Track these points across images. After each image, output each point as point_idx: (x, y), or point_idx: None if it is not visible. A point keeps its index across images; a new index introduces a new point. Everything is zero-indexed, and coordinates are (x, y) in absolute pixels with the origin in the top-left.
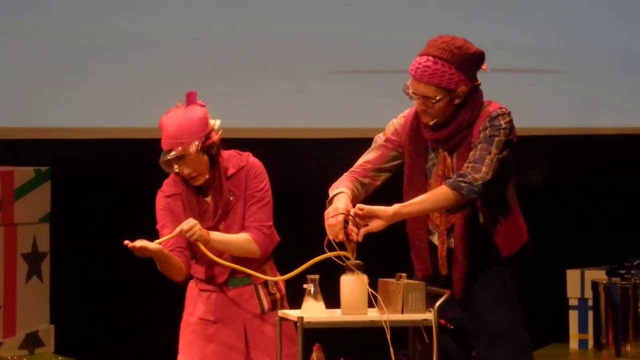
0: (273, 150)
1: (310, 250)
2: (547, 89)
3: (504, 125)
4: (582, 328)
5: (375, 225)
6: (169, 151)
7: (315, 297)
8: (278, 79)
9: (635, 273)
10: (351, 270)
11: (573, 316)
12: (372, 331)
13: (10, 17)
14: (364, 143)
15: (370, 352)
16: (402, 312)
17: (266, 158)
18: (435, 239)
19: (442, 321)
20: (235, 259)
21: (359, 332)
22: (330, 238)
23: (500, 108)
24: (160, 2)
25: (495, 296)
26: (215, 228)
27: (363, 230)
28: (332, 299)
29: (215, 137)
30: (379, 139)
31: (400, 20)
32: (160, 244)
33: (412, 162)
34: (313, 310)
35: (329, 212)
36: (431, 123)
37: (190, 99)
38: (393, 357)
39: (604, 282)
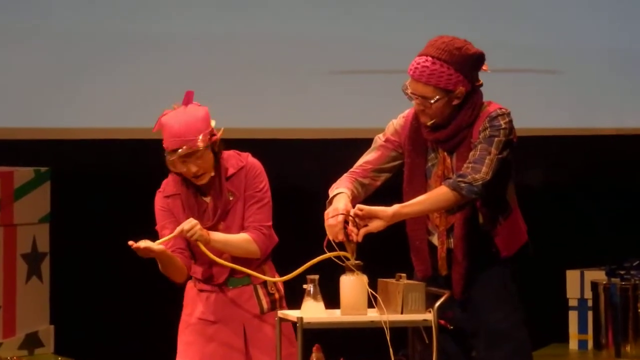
0: (273, 151)
1: (310, 250)
2: (547, 89)
3: (503, 126)
4: (582, 328)
5: (375, 225)
6: (175, 150)
7: (314, 297)
8: (278, 79)
9: (635, 274)
10: (351, 271)
11: (573, 317)
12: (372, 331)
13: (10, 17)
14: (364, 143)
15: (369, 353)
16: (402, 313)
17: (266, 158)
18: (435, 240)
19: (442, 321)
20: (235, 259)
21: (358, 332)
22: (330, 238)
23: (500, 108)
24: (160, 2)
25: (495, 296)
26: (214, 228)
27: (363, 231)
28: (331, 300)
29: (217, 134)
30: (379, 139)
31: (400, 20)
32: (161, 244)
33: (412, 162)
34: (313, 311)
35: (328, 212)
36: (429, 123)
37: (189, 99)
38: (393, 358)
39: (604, 282)
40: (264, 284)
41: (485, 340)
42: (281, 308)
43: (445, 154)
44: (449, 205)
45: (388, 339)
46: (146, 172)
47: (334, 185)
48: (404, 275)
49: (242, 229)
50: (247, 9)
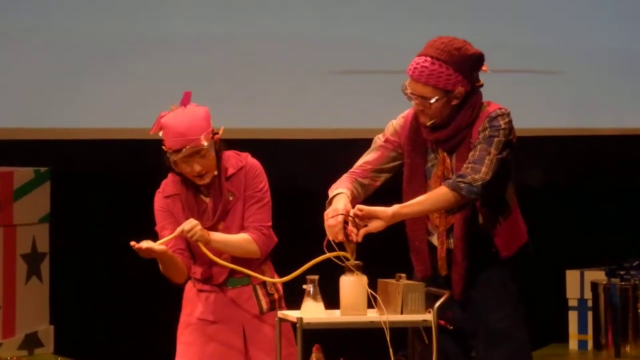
0: (273, 151)
1: (309, 250)
2: (547, 89)
3: (503, 126)
4: (582, 329)
5: (374, 225)
6: (180, 149)
7: (314, 297)
8: (278, 79)
9: (635, 274)
10: (351, 271)
11: (572, 317)
12: (372, 332)
13: (10, 17)
14: (364, 143)
15: (369, 353)
16: (402, 313)
17: (266, 158)
18: (434, 240)
19: (442, 322)
20: (235, 260)
21: (358, 332)
22: (330, 239)
23: (500, 109)
24: (160, 2)
25: (494, 297)
26: (214, 228)
27: (362, 231)
28: (331, 300)
29: (219, 133)
30: (379, 139)
31: (400, 21)
32: (162, 244)
33: (412, 162)
34: (312, 311)
35: (328, 212)
36: (428, 123)
37: (187, 100)
38: (392, 358)
39: (604, 282)
40: (263, 284)
41: (485, 340)
42: (280, 308)
43: (445, 154)
44: (448, 205)
45: (388, 339)
46: (146, 172)
47: (334, 186)
48: (403, 275)
49: (241, 229)
50: (247, 9)
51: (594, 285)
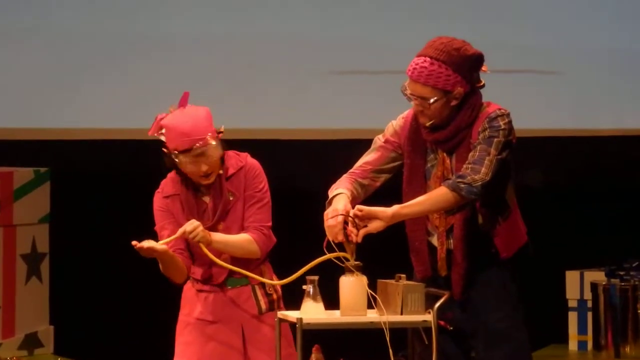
0: (273, 151)
1: (309, 251)
2: (547, 89)
3: (503, 127)
4: (582, 329)
5: (374, 226)
6: (188, 150)
7: (314, 298)
8: (278, 79)
9: (635, 274)
10: (350, 272)
11: (572, 317)
12: (372, 332)
13: (10, 17)
14: (364, 144)
15: (369, 354)
16: (402, 313)
17: (266, 158)
18: (434, 240)
19: (442, 322)
20: (234, 260)
21: (358, 333)
22: (330, 239)
23: (500, 109)
24: (161, 2)
25: (494, 297)
26: (214, 228)
27: (362, 231)
28: (331, 300)
29: (222, 132)
30: (379, 140)
31: (400, 21)
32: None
33: (412, 163)
34: (312, 312)
35: (328, 213)
36: (428, 124)
37: (185, 100)
38: (392, 359)
39: (603, 283)
40: (262, 284)
41: (484, 340)
42: (279, 309)
43: (445, 154)
44: (448, 205)
45: (388, 339)
46: (146, 172)
47: (334, 186)
48: (403, 276)
49: (241, 229)
50: (247, 9)
51: (594, 286)
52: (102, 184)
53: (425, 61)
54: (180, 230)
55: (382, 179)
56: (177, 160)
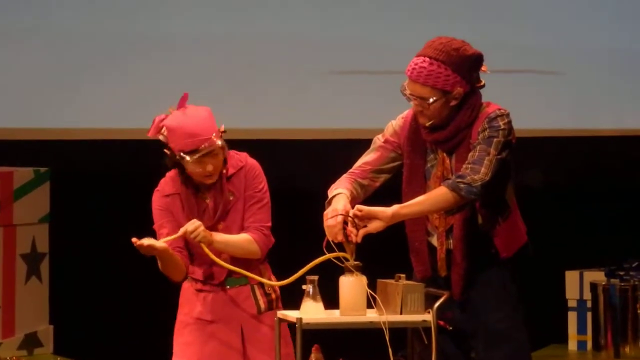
0: (273, 151)
1: (309, 251)
2: (547, 89)
3: (502, 127)
4: (581, 329)
5: (374, 226)
6: (195, 150)
7: (314, 298)
8: (278, 79)
9: (634, 274)
10: (350, 271)
11: (572, 317)
12: (371, 332)
13: (10, 17)
14: (364, 144)
15: (369, 353)
16: (401, 313)
17: (266, 158)
18: (434, 240)
19: (441, 322)
20: (234, 260)
21: (357, 333)
22: (329, 239)
23: (499, 109)
24: (160, 2)
25: (494, 297)
26: (214, 228)
27: (362, 231)
28: (331, 300)
29: (225, 132)
30: (378, 140)
31: (400, 21)
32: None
33: (411, 163)
34: (312, 311)
35: (327, 213)
36: (427, 124)
37: (185, 101)
38: (392, 358)
39: (603, 283)
40: (261, 284)
41: (484, 340)
42: (277, 308)
43: (445, 155)
44: (448, 205)
45: (387, 339)
46: (146, 172)
47: (333, 186)
48: (403, 275)
49: (241, 229)
50: (247, 9)
51: (594, 286)
52: (102, 184)
53: (424, 61)
54: (182, 230)
55: (382, 179)
56: (183, 160)
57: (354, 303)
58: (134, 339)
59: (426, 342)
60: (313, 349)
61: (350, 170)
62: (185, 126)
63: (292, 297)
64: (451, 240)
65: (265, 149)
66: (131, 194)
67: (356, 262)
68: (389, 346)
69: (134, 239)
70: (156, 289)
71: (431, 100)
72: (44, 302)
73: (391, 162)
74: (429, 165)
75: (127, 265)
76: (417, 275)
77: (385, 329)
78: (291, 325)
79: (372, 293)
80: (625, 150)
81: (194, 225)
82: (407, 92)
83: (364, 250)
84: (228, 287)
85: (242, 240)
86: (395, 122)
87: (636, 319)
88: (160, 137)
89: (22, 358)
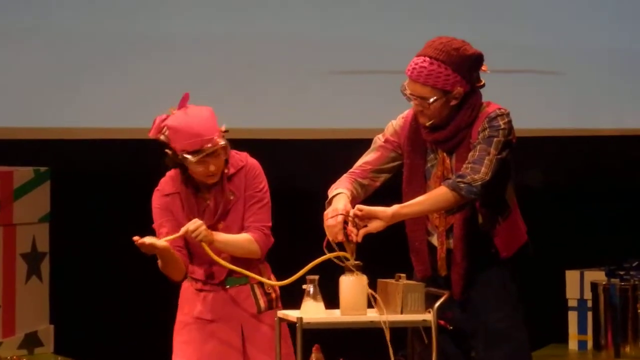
0: (273, 151)
1: (309, 251)
2: (547, 89)
3: (502, 126)
4: (582, 329)
5: (374, 226)
6: (198, 150)
7: (314, 297)
8: (278, 79)
9: (635, 274)
10: (350, 271)
11: (572, 317)
12: (372, 332)
13: (10, 17)
14: (364, 143)
15: (369, 353)
16: (402, 313)
17: (266, 158)
18: (434, 240)
19: (441, 322)
20: (234, 260)
21: (358, 332)
22: (330, 239)
23: (499, 109)
24: (160, 2)
25: (494, 297)
26: (214, 228)
27: (362, 231)
28: (331, 300)
29: (227, 131)
30: (378, 140)
31: (400, 21)
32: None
33: (411, 163)
34: (312, 311)
35: (328, 212)
36: (428, 124)
37: (186, 101)
38: (392, 358)
39: (603, 283)
40: (261, 283)
41: (484, 340)
42: (277, 307)
43: (445, 154)
44: (448, 205)
45: (387, 339)
46: (146, 172)
47: (333, 186)
48: (403, 275)
49: (241, 229)
50: (247, 9)
51: (594, 286)
52: (102, 184)
53: (424, 61)
54: (183, 229)
55: (382, 178)
56: (186, 160)
57: (355, 303)
58: (134, 339)
59: (426, 342)
60: (313, 348)
61: (351, 170)
62: (188, 126)
63: (292, 297)
64: (451, 240)
65: (265, 149)
66: (131, 193)
67: (356, 262)
68: (390, 346)
69: (135, 237)
70: (156, 289)
71: (431, 100)
72: (44, 301)
73: (391, 161)
74: (429, 165)
75: (127, 265)
76: (417, 274)
77: (386, 328)
78: (291, 325)
79: (373, 293)
80: (625, 150)
81: (195, 224)
82: (408, 91)
83: (364, 250)
84: (228, 286)
85: (243, 239)
86: (396, 122)
87: (636, 318)
88: (161, 138)
89: (23, 357)
